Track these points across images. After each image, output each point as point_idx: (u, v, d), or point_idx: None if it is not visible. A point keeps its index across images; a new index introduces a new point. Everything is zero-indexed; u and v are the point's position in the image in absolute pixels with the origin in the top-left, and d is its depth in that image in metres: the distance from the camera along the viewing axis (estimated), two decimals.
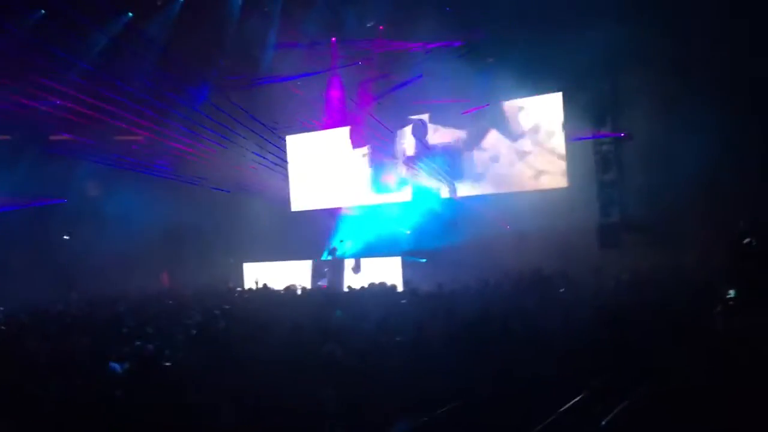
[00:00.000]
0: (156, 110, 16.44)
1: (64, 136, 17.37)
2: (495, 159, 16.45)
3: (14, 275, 15.88)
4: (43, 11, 15.36)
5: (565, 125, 15.34)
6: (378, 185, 18.17)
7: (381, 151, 18.06)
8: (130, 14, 16.36)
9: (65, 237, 18.67)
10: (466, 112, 16.36)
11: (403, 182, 17.74)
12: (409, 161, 17.68)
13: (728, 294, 4.97)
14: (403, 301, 11.03)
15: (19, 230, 16.80)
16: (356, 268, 17.21)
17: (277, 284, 15.58)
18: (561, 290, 11.00)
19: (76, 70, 15.43)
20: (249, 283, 17.47)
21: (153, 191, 17.30)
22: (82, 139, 16.88)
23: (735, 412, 4.14)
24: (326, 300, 12.37)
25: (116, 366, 6.92)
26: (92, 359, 7.54)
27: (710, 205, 12.30)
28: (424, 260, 16.03)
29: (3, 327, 11.07)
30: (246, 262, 18.90)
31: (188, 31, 15.96)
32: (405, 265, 16.21)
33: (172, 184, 17.73)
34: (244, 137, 16.90)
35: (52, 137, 17.57)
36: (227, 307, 11.69)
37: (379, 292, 13.23)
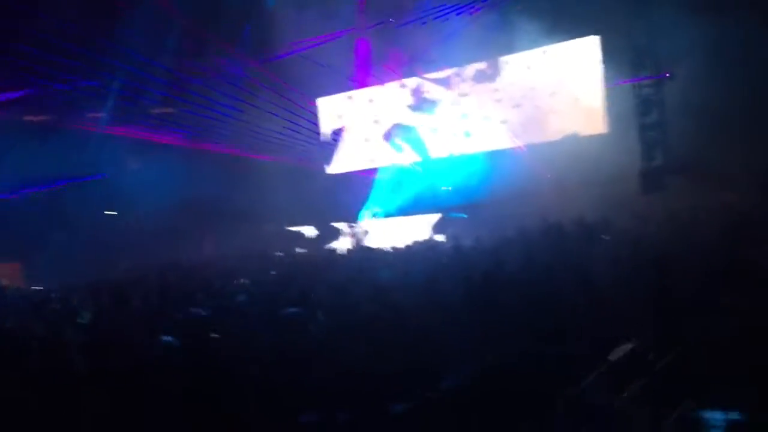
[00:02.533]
0: (183, 78, 16.52)
1: (98, 114, 17.57)
2: (535, 106, 16.16)
3: (57, 255, 16.22)
4: None
5: (604, 69, 14.98)
6: (414, 143, 18.08)
7: (416, 107, 17.95)
8: None
9: (107, 213, 19.01)
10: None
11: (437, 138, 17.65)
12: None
13: None
14: (444, 260, 10.97)
15: (59, 209, 17.11)
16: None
17: (319, 248, 15.75)
18: (605, 237, 10.86)
19: (101, 48, 15.53)
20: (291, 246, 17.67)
21: (188, 162, 17.47)
22: (118, 114, 17.06)
23: None
24: (368, 262, 12.42)
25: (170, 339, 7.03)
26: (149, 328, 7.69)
27: (754, 144, 11.94)
28: (465, 216, 15.96)
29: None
30: (287, 227, 19.06)
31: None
32: (447, 222, 16.17)
33: (208, 154, 17.87)
34: (274, 104, 16.90)
35: (87, 115, 17.78)
36: (273, 272, 11.84)
37: (424, 249, 13.21)
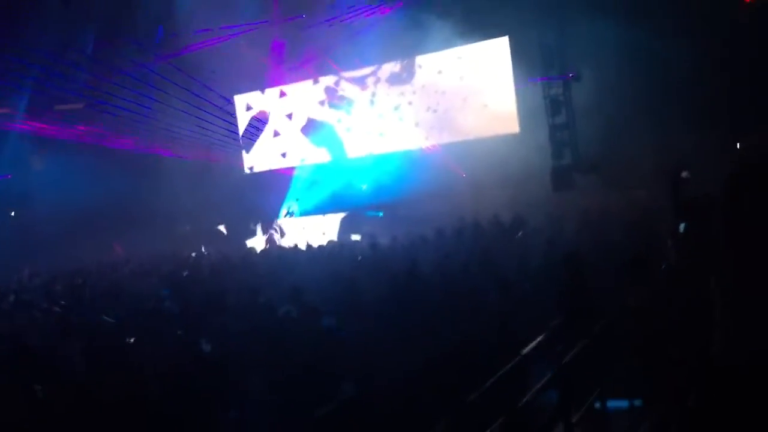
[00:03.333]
0: (95, 77, 15.95)
1: (2, 110, 16.74)
2: (447, 109, 16.40)
3: None
4: None
5: (513, 70, 15.36)
6: (330, 142, 18.02)
7: (331, 105, 17.90)
8: None
9: (11, 214, 18.13)
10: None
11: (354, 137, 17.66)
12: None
13: (679, 228, 5.04)
14: (360, 258, 10.98)
15: None
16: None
17: (234, 247, 15.46)
18: (518, 234, 11.11)
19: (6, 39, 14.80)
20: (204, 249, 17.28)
21: (97, 161, 16.83)
22: (20, 112, 16.29)
23: (686, 344, 4.25)
24: (284, 261, 12.29)
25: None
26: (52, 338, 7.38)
27: (658, 142, 12.45)
28: (380, 214, 16.02)
29: None
30: (201, 227, 18.63)
31: None
32: (362, 221, 16.18)
33: (117, 153, 17.26)
34: (187, 102, 16.48)
35: None
36: (185, 273, 11.55)
37: (340, 247, 13.17)
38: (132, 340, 7.20)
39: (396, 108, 17.04)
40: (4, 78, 15.36)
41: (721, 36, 11.99)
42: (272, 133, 18.89)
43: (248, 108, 19.18)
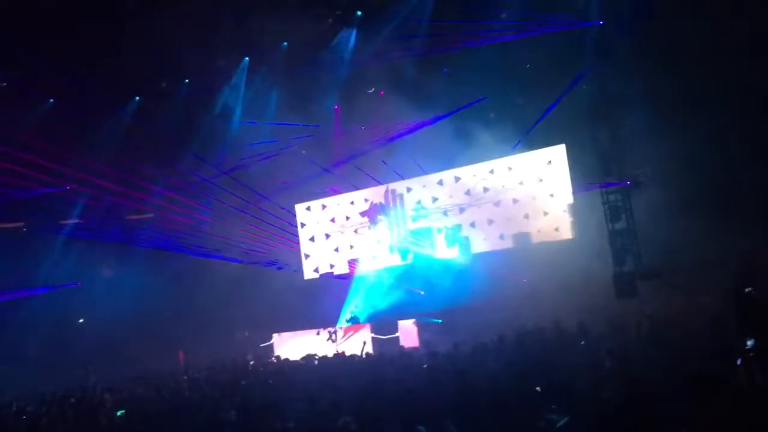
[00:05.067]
0: (165, 189, 16.79)
1: (76, 220, 17.66)
2: (505, 216, 16.55)
3: (31, 363, 15.85)
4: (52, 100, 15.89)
5: (571, 177, 15.49)
6: (391, 248, 18.24)
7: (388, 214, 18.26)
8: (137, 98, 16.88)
9: (80, 321, 18.68)
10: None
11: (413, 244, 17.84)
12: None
13: (746, 345, 4.85)
14: (425, 366, 10.81)
15: (34, 317, 16.82)
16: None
17: (297, 354, 15.44)
18: (582, 342, 10.80)
19: (85, 154, 15.86)
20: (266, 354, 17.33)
21: (164, 268, 17.42)
22: (94, 222, 17.15)
23: None
24: (344, 368, 12.22)
25: None
26: None
27: (722, 248, 12.16)
28: (439, 321, 15.85)
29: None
30: (264, 333, 18.76)
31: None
32: (421, 327, 16.03)
33: (184, 259, 17.85)
34: (249, 213, 17.15)
35: (64, 221, 17.83)
36: (243, 383, 11.56)
37: (399, 355, 13.02)
38: None
39: (456, 212, 17.26)
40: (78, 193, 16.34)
41: None
42: (334, 240, 19.27)
43: (309, 216, 19.71)
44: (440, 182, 17.65)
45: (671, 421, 5.16)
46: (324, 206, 19.54)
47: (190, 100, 16.88)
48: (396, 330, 16.20)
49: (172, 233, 17.86)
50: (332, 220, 19.34)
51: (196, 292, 18.18)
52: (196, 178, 17.52)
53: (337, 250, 19.22)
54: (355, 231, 18.90)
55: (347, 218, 19.06)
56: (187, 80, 16.95)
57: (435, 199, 17.66)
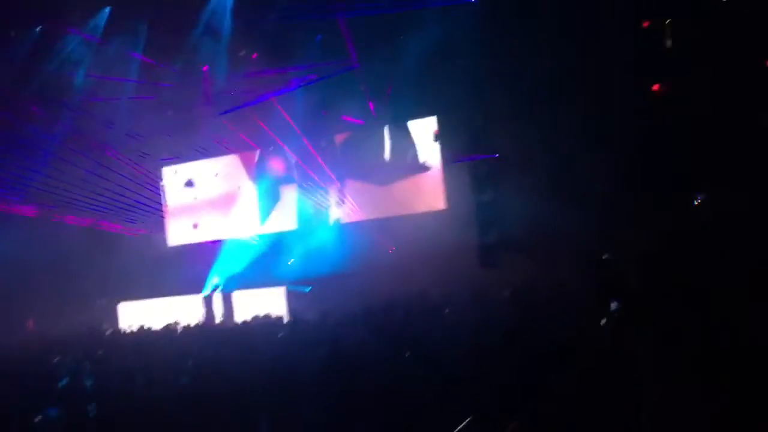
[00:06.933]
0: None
1: None
2: (375, 184, 16.57)
3: None
4: None
5: (442, 148, 15.75)
6: (258, 215, 17.87)
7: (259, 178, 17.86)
8: None
9: None
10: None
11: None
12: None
13: (611, 307, 5.10)
14: (281, 335, 10.69)
15: None
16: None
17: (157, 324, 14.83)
18: (446, 311, 11.06)
19: None
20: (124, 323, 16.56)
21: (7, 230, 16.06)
22: None
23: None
24: (208, 337, 11.87)
25: None
26: None
27: (582, 220, 12.83)
28: (308, 289, 15.78)
29: None
30: (121, 301, 17.89)
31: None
32: (289, 296, 15.88)
33: (26, 218, 16.52)
34: (113, 170, 16.11)
35: None
36: (100, 352, 10.95)
37: (263, 323, 12.82)
38: None
39: (324, 179, 17.11)
40: None
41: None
42: (201, 204, 18.58)
43: (176, 178, 18.89)
44: (304, 148, 17.31)
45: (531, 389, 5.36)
46: (191, 169, 18.75)
47: (38, 49, 15.53)
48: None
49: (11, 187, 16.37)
50: (191, 184, 18.62)
51: (43, 254, 16.84)
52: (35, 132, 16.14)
53: (202, 215, 18.55)
54: (225, 195, 18.30)
55: (217, 181, 18.42)
56: (38, 28, 15.57)
57: (305, 167, 17.37)
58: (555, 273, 12.10)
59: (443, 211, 15.61)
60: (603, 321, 5.58)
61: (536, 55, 13.44)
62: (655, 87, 13.11)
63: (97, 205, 16.20)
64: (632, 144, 12.86)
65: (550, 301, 9.83)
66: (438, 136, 15.91)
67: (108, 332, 14.80)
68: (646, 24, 12.87)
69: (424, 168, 16.10)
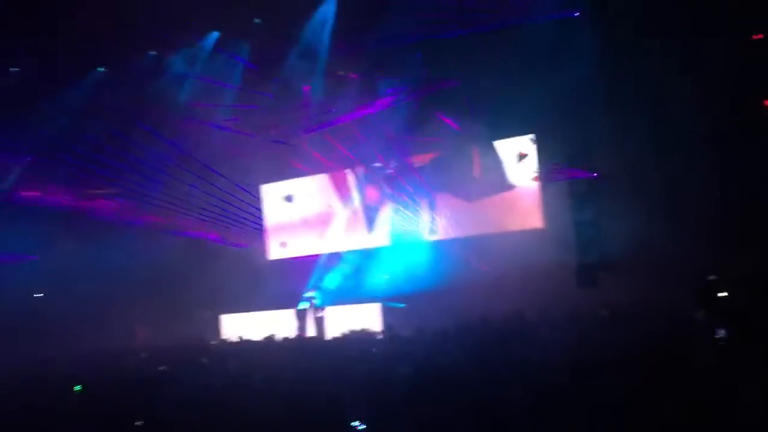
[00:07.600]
0: (125, 163, 16.44)
1: (36, 193, 17.21)
2: (471, 201, 16.50)
3: None
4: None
5: (540, 167, 15.52)
6: (355, 232, 18.14)
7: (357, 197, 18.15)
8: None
9: (36, 295, 18.27)
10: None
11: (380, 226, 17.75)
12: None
13: (718, 334, 4.89)
14: (373, 350, 10.80)
15: None
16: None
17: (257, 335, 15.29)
18: (542, 332, 10.87)
19: (48, 125, 15.44)
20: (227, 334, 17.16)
21: (123, 243, 17.03)
22: (53, 195, 16.73)
23: None
24: (305, 350, 12.15)
25: None
26: None
27: (685, 242, 12.36)
28: (402, 305, 15.85)
29: None
30: (223, 313, 18.55)
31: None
32: (384, 312, 16.01)
33: (145, 233, 17.50)
34: (218, 187, 16.84)
35: (24, 193, 17.35)
36: (205, 360, 11.42)
37: (359, 338, 13.00)
38: None
39: (421, 198, 17.19)
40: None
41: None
42: (299, 221, 19.07)
43: (275, 196, 19.48)
44: (401, 168, 17.48)
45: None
46: (291, 186, 19.29)
47: (152, 73, 16.50)
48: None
49: (131, 209, 17.44)
50: (290, 199, 19.10)
51: (156, 269, 17.76)
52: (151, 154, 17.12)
53: (301, 230, 19.01)
54: (322, 212, 18.71)
55: (314, 199, 18.86)
56: (153, 53, 16.57)
57: (403, 186, 17.53)
58: (657, 293, 11.70)
59: (540, 230, 15.35)
60: (712, 340, 5.35)
61: (641, 72, 13.11)
62: (766, 102, 12.49)
63: (203, 219, 17.09)
64: (739, 164, 12.30)
65: (651, 320, 9.52)
66: (524, 157, 15.70)
67: (212, 342, 15.35)
68: (756, 37, 12.29)
69: (520, 186, 15.88)
